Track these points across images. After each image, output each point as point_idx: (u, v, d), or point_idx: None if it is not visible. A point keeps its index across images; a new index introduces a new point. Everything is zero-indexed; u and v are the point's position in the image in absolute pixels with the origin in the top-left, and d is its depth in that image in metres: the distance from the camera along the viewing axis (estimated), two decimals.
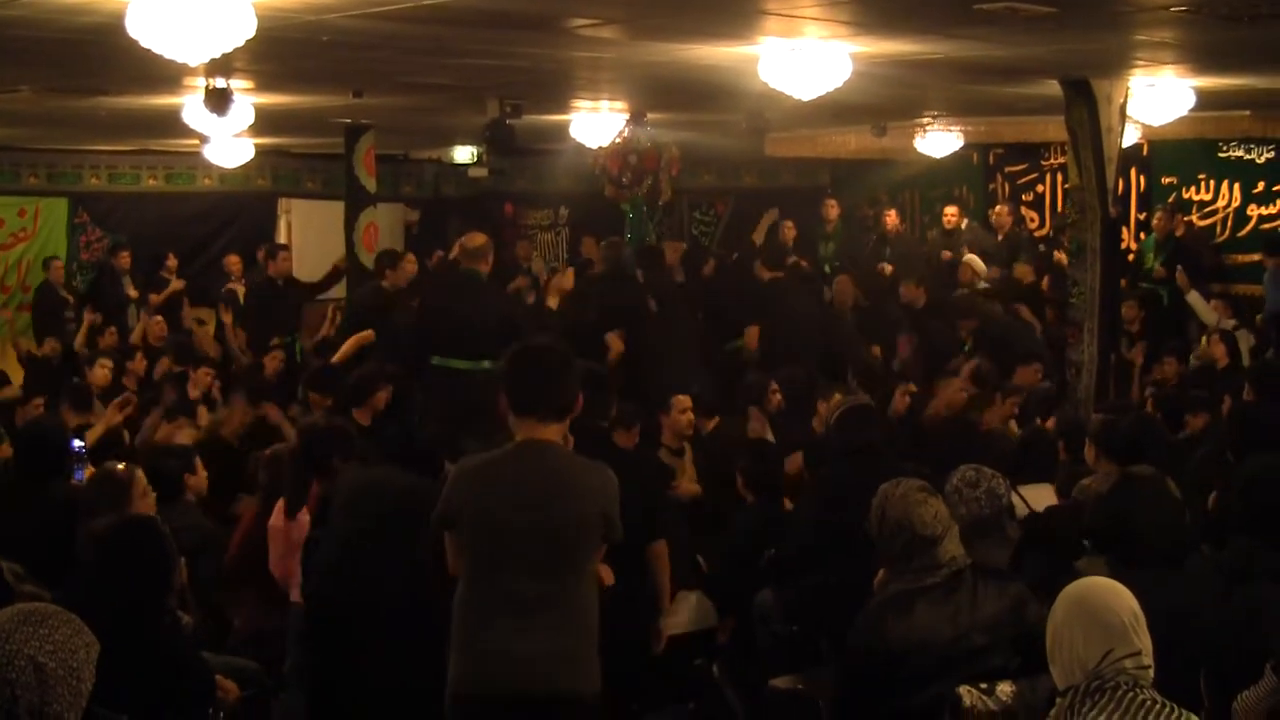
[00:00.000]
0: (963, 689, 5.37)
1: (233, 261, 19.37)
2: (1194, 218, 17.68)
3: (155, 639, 5.79)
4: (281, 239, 21.61)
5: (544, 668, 5.54)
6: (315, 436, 8.52)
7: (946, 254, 18.14)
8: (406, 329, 12.24)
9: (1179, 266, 16.27)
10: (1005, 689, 5.38)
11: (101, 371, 12.87)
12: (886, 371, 13.10)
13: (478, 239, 11.86)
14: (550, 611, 5.57)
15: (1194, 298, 15.93)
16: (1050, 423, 10.80)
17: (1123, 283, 15.81)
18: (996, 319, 14.76)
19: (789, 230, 19.69)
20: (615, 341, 13.34)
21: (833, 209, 20.73)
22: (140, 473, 7.70)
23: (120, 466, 7.71)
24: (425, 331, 11.57)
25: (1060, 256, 16.30)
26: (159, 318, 16.86)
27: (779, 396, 11.10)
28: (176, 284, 18.92)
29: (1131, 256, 17.54)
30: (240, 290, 18.30)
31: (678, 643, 8.05)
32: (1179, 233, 17.13)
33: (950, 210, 19.42)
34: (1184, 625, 5.45)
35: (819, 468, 9.03)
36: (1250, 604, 5.60)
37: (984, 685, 5.39)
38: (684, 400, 10.29)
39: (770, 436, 10.73)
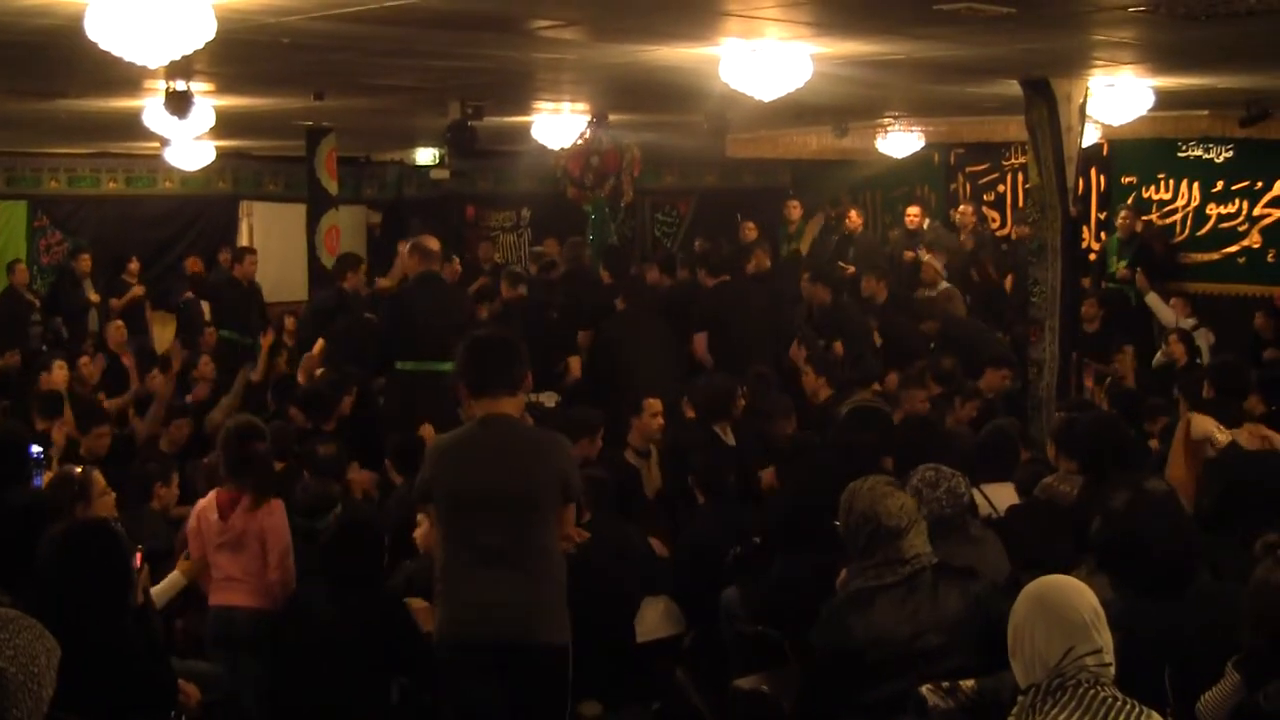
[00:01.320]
0: (925, 688, 5.39)
1: (191, 264, 19.31)
2: (1154, 217, 17.78)
3: (115, 642, 5.76)
4: (243, 242, 21.57)
5: (516, 616, 6.23)
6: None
7: (909, 254, 18.19)
8: (367, 333, 12.19)
9: (1138, 268, 16.37)
10: (968, 686, 5.40)
11: (60, 373, 12.79)
12: (848, 368, 13.05)
13: (433, 241, 11.85)
14: (519, 565, 6.25)
15: (1153, 299, 16.04)
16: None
17: (1086, 282, 15.90)
18: (959, 321, 14.79)
19: (750, 231, 19.69)
20: (583, 339, 13.35)
21: (795, 210, 20.79)
22: (98, 474, 7.71)
23: (78, 469, 7.71)
24: (392, 335, 11.49)
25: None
26: (119, 323, 16.79)
27: (744, 402, 11.11)
28: (137, 289, 18.87)
29: (1094, 256, 17.64)
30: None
31: (643, 645, 8.07)
32: (1139, 229, 17.24)
33: (913, 210, 19.50)
34: (1186, 651, 5.44)
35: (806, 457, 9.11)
36: (1217, 601, 5.61)
37: (946, 684, 5.41)
38: (655, 404, 10.32)
39: (731, 440, 10.75)
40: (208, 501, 7.94)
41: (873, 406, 9.11)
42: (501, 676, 6.26)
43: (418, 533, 7.84)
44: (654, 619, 8.22)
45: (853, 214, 20.24)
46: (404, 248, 12.29)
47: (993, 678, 5.30)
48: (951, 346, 13.41)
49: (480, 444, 6.38)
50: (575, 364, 13.22)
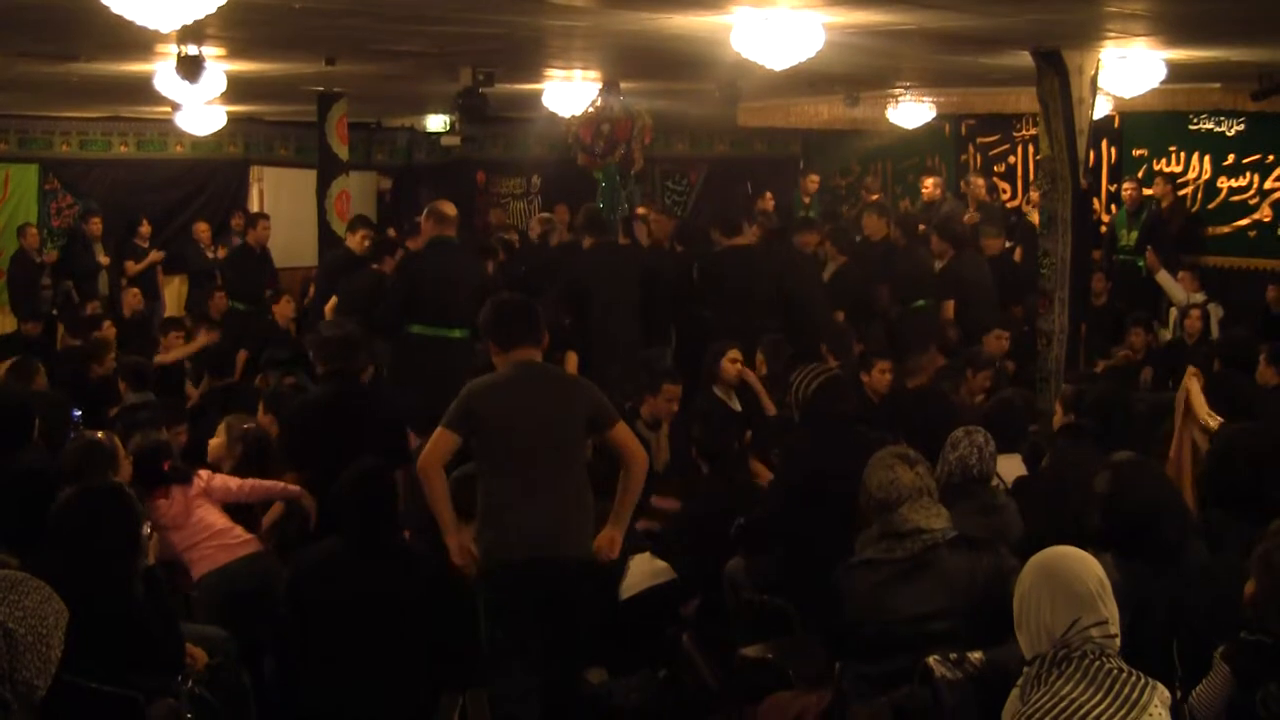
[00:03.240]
0: (932, 659, 5.41)
1: (201, 229, 19.31)
2: (1169, 189, 17.73)
3: (124, 606, 5.79)
4: (254, 207, 21.59)
5: (556, 534, 6.97)
6: None
7: (921, 226, 18.10)
8: (368, 293, 12.16)
9: (1148, 246, 16.31)
10: (976, 658, 5.42)
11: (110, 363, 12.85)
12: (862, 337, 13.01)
13: (449, 207, 11.85)
14: (559, 490, 7.03)
15: (1163, 277, 15.98)
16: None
17: (1096, 255, 15.86)
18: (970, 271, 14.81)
19: (766, 201, 19.66)
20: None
21: (813, 183, 20.78)
22: (118, 439, 7.79)
23: (100, 434, 7.76)
24: (404, 299, 11.45)
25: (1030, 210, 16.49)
26: (135, 290, 16.84)
27: (738, 366, 11.06)
28: (155, 255, 18.95)
29: (1104, 229, 17.59)
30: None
31: (646, 609, 8.08)
32: (1165, 203, 17.16)
33: (929, 181, 19.32)
34: (1193, 624, 5.45)
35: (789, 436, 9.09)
36: (1221, 574, 5.63)
37: (954, 655, 5.42)
38: (674, 390, 10.36)
39: (737, 406, 10.75)
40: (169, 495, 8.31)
41: (837, 373, 9.09)
42: (544, 592, 6.95)
43: None
44: (640, 571, 8.22)
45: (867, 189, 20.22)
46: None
47: (1001, 649, 5.32)
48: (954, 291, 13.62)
49: (519, 385, 7.12)
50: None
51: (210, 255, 19.10)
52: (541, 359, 7.42)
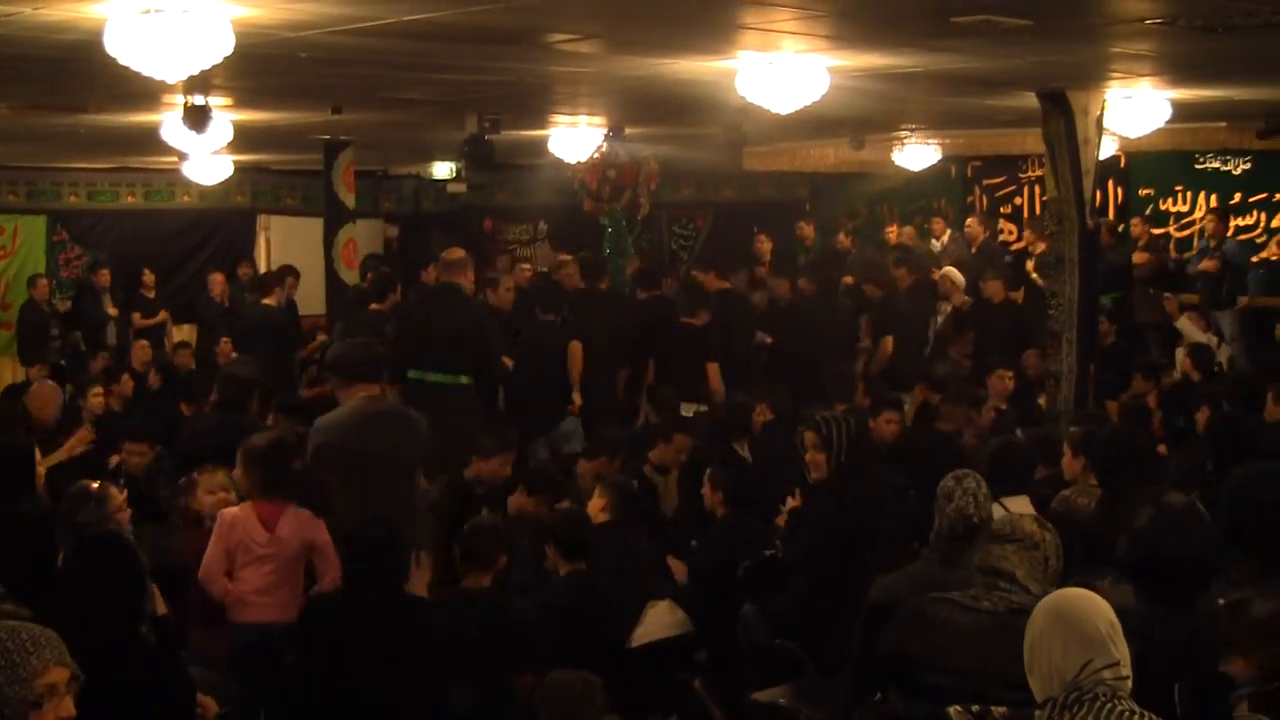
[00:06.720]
0: (954, 709, 5.32)
1: (217, 279, 19.30)
2: (1171, 229, 17.74)
3: (133, 652, 5.77)
4: (261, 255, 21.65)
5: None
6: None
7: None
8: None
9: (1166, 294, 16.19)
10: (999, 711, 5.35)
11: (95, 400, 12.79)
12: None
13: (457, 252, 11.76)
14: (406, 511, 7.73)
15: (1184, 324, 15.77)
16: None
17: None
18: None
19: (764, 244, 19.63)
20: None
21: (809, 229, 20.80)
22: (115, 490, 7.67)
23: (95, 484, 7.66)
24: (405, 344, 11.35)
25: (1029, 266, 16.54)
26: (144, 343, 16.83)
27: (763, 418, 11.14)
28: (162, 314, 18.98)
29: None
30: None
31: (657, 654, 8.04)
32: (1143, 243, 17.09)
33: (893, 229, 19.47)
34: (1201, 665, 5.40)
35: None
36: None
37: (976, 708, 5.35)
38: (685, 441, 10.56)
39: (748, 456, 10.75)
40: (244, 513, 7.70)
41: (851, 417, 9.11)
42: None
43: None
44: (656, 620, 8.18)
45: (842, 235, 20.22)
46: None
47: (1026, 707, 5.26)
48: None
49: (371, 415, 7.95)
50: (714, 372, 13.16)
51: (221, 305, 19.08)
52: (381, 391, 8.34)
